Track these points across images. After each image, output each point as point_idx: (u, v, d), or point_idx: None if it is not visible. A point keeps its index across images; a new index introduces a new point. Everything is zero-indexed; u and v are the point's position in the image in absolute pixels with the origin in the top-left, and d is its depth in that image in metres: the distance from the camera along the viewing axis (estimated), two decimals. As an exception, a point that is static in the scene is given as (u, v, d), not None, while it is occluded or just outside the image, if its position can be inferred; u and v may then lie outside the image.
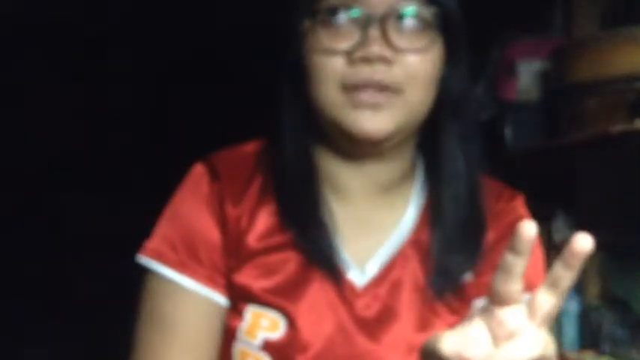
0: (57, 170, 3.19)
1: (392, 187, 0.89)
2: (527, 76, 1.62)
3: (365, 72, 0.79)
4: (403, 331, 0.86)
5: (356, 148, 0.85)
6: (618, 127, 1.20)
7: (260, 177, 0.89)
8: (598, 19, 1.58)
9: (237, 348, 0.86)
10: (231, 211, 0.86)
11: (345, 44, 0.80)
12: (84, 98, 3.26)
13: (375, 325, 0.86)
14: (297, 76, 0.85)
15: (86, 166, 3.26)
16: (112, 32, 3.13)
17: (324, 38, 0.81)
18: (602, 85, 1.31)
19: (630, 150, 1.29)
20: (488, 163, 0.92)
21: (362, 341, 0.86)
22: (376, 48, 0.79)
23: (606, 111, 1.30)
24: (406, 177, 0.91)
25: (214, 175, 0.88)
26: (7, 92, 3.07)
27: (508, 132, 1.61)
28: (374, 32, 0.79)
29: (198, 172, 0.89)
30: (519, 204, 0.93)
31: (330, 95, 0.82)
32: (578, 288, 1.59)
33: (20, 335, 2.92)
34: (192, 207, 0.87)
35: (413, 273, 0.87)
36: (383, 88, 0.80)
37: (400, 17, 0.80)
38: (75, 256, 3.11)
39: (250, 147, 0.92)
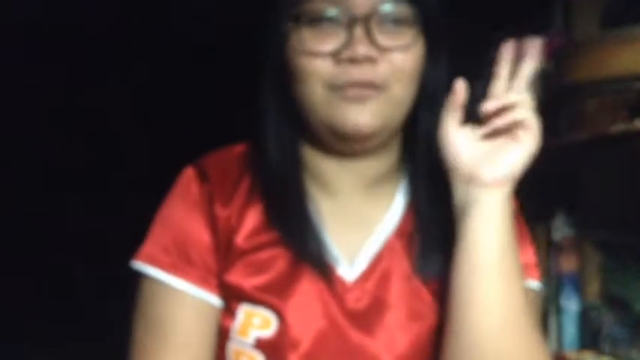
0: (57, 170, 3.19)
1: (379, 182, 0.90)
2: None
3: (352, 72, 0.81)
4: (394, 323, 0.87)
5: (343, 145, 0.86)
6: (618, 127, 1.20)
7: (248, 177, 0.90)
8: (598, 19, 1.58)
9: (231, 347, 0.87)
10: (220, 211, 0.87)
11: (330, 45, 0.81)
12: (84, 99, 3.26)
13: (366, 318, 0.87)
14: (282, 76, 0.86)
15: (86, 166, 3.27)
16: (112, 32, 3.13)
17: (308, 40, 0.82)
18: (602, 85, 1.31)
19: (630, 150, 1.29)
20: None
21: (354, 335, 0.86)
22: (362, 48, 0.80)
23: (606, 111, 1.29)
24: (393, 171, 0.92)
25: (203, 178, 0.89)
26: (6, 92, 3.07)
27: (508, 132, 1.60)
28: (359, 32, 0.80)
29: (188, 175, 0.90)
30: None
31: (317, 94, 0.83)
32: (578, 288, 1.59)
33: (20, 335, 2.92)
34: (182, 210, 0.88)
35: (400, 264, 0.88)
36: (370, 85, 0.81)
37: (383, 16, 0.81)
38: (75, 256, 3.11)
39: (238, 148, 0.94)
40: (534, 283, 0.91)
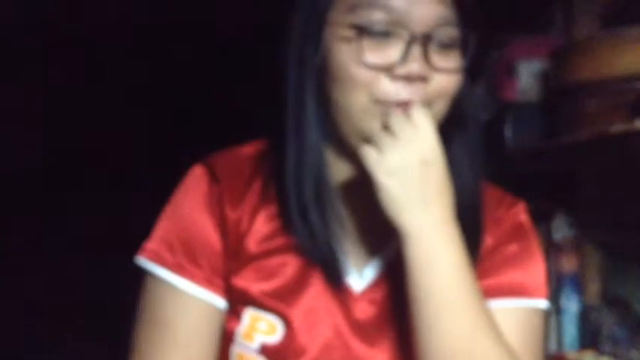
0: (57, 170, 3.19)
1: None
2: (527, 76, 1.62)
3: (402, 90, 0.79)
4: (399, 336, 0.86)
5: None
6: (618, 127, 1.20)
7: (260, 179, 0.88)
8: (598, 19, 1.58)
9: (235, 351, 0.86)
10: (230, 213, 0.86)
11: (385, 59, 0.79)
12: (84, 98, 3.26)
13: (371, 330, 0.86)
14: (322, 80, 0.83)
15: (86, 166, 3.26)
16: (112, 32, 3.13)
17: (365, 51, 0.79)
18: (602, 85, 1.30)
19: (630, 150, 1.29)
20: (489, 164, 0.92)
21: (358, 346, 0.86)
22: (417, 66, 0.79)
23: (606, 111, 1.29)
24: None
25: (213, 177, 0.87)
26: (7, 92, 3.06)
27: (508, 132, 1.61)
28: (416, 51, 0.79)
29: (197, 173, 0.88)
30: (520, 210, 0.93)
31: (360, 105, 0.81)
32: (578, 288, 1.59)
33: (20, 335, 2.92)
34: (191, 209, 0.87)
35: None
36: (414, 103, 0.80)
37: (439, 37, 0.80)
38: (75, 256, 3.11)
39: (249, 149, 0.92)
40: (541, 303, 0.89)
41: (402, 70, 0.79)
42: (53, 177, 3.19)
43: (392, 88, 0.80)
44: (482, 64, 0.88)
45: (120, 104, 3.30)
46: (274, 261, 0.86)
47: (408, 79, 0.79)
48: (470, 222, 0.85)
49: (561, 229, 1.61)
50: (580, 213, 1.61)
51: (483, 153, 0.90)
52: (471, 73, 0.86)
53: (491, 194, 0.92)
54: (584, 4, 1.61)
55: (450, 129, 0.86)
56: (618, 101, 1.28)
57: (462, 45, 0.82)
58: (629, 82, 1.27)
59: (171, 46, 3.19)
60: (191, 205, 0.87)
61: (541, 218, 1.58)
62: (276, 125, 0.87)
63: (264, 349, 0.84)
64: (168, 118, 3.37)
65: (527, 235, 0.92)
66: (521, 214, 0.93)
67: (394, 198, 0.78)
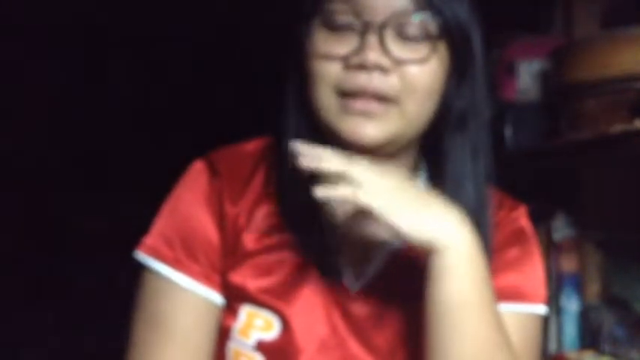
0: (57, 170, 3.19)
1: None
2: (527, 76, 1.62)
3: (361, 79, 0.79)
4: (396, 338, 0.86)
5: (352, 152, 0.83)
6: (618, 127, 1.20)
7: (260, 176, 0.88)
8: (598, 19, 1.58)
9: (231, 347, 0.86)
10: (229, 209, 0.86)
11: (341, 49, 0.79)
12: (84, 98, 3.26)
13: (367, 330, 0.86)
14: (300, 77, 0.84)
15: (86, 166, 3.26)
16: (112, 31, 3.13)
17: (322, 42, 0.80)
18: (602, 85, 1.30)
19: (630, 150, 1.29)
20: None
21: (354, 345, 0.86)
22: (372, 55, 0.78)
23: (606, 111, 1.29)
24: (408, 176, 0.90)
25: (214, 173, 0.87)
26: (7, 92, 3.06)
27: (508, 132, 1.61)
28: (372, 39, 0.78)
29: (198, 168, 0.88)
30: (521, 214, 0.92)
31: (325, 99, 0.81)
32: (578, 288, 1.59)
33: (20, 335, 2.92)
34: (190, 204, 0.87)
35: (407, 279, 0.86)
36: (378, 97, 0.79)
37: (400, 26, 0.79)
38: (75, 256, 3.11)
39: (251, 145, 0.92)
40: (539, 308, 0.89)
41: (356, 60, 0.79)
42: (53, 177, 3.19)
43: (350, 79, 0.79)
44: (469, 56, 0.84)
45: (120, 103, 3.30)
46: (272, 258, 0.86)
47: (364, 68, 0.78)
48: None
49: (561, 229, 1.61)
50: (580, 213, 1.61)
51: (488, 154, 0.88)
52: (459, 66, 0.84)
53: (492, 197, 0.92)
54: (584, 4, 1.61)
55: (444, 130, 0.85)
56: (618, 101, 1.28)
57: (426, 36, 0.80)
58: (629, 82, 1.27)
59: (172, 44, 3.19)
60: (190, 200, 0.87)
61: (541, 218, 1.58)
62: (277, 123, 0.88)
63: (261, 346, 0.84)
64: (168, 118, 3.37)
65: (527, 239, 0.91)
66: (521, 218, 0.92)
67: (402, 214, 0.76)
